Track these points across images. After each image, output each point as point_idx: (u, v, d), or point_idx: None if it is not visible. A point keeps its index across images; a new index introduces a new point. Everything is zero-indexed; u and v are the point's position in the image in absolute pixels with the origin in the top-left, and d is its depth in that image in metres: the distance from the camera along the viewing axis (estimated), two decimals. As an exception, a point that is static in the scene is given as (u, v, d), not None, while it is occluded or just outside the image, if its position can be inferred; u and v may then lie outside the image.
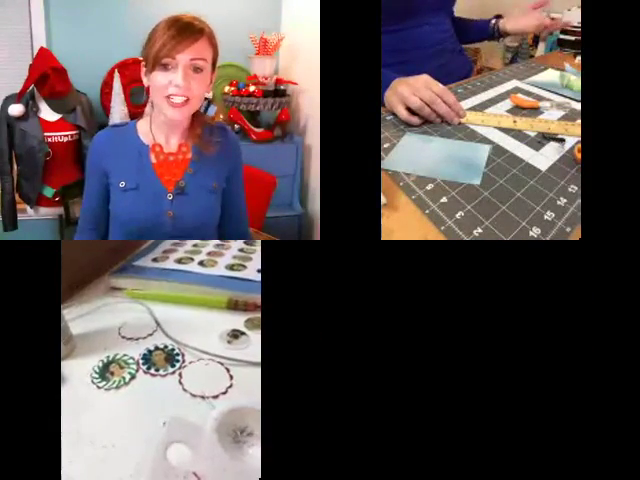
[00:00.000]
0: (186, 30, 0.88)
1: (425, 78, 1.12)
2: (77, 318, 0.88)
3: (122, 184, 0.96)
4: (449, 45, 1.63)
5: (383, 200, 0.82)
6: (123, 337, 0.83)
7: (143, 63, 0.93)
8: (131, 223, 0.98)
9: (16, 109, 1.74)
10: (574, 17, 1.71)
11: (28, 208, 1.90)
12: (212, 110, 0.97)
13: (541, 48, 2.83)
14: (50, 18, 2.00)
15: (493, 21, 1.76)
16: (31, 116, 1.77)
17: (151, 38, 0.90)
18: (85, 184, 1.03)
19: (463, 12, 1.81)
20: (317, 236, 2.10)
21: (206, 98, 0.96)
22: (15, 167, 1.86)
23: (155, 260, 1.12)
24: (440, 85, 1.12)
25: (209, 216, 1.01)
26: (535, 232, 0.75)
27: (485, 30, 1.78)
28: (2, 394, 0.79)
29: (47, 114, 1.80)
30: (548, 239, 0.74)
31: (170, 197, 0.96)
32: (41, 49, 1.81)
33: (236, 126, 2.13)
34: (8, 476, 0.78)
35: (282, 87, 2.13)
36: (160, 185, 0.96)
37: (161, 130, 0.98)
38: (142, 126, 1.00)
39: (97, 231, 1.04)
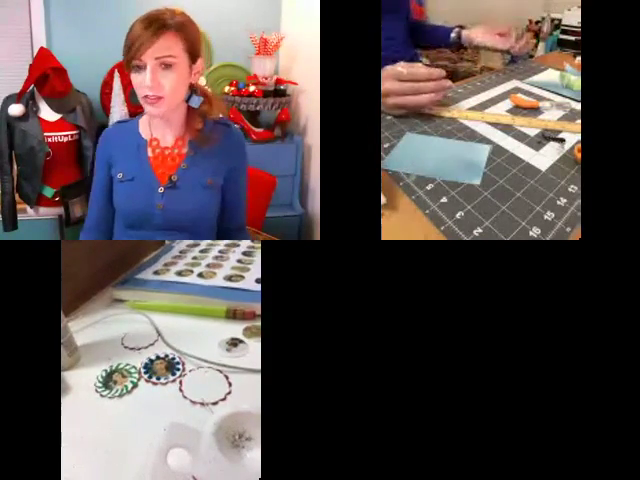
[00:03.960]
0: (149, 28, 0.89)
1: (389, 73, 1.09)
2: (82, 329, 0.90)
3: (120, 175, 1.00)
4: (387, 54, 1.60)
5: (383, 200, 0.82)
6: (126, 347, 0.84)
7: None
8: (126, 214, 1.01)
9: (16, 109, 1.74)
10: (528, 44, 1.68)
11: (28, 208, 1.90)
12: (195, 101, 0.97)
13: (541, 48, 2.83)
14: (50, 18, 2.00)
15: (456, 30, 1.73)
16: (31, 116, 1.77)
17: (125, 40, 0.92)
18: (93, 181, 1.07)
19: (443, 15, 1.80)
20: (317, 236, 2.10)
21: (191, 88, 0.96)
22: (15, 167, 1.86)
23: (156, 273, 1.14)
24: (405, 69, 1.09)
25: (202, 211, 1.01)
26: (535, 232, 0.75)
27: (445, 38, 1.75)
28: (1, 395, 0.79)
29: (47, 114, 1.80)
30: (548, 239, 0.74)
31: (161, 190, 0.98)
32: (41, 49, 1.82)
33: (236, 126, 2.13)
34: None
35: (282, 87, 2.13)
36: (154, 178, 0.99)
37: (158, 125, 1.00)
38: (143, 121, 1.03)
39: (103, 229, 1.06)
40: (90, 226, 1.07)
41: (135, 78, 0.91)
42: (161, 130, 1.00)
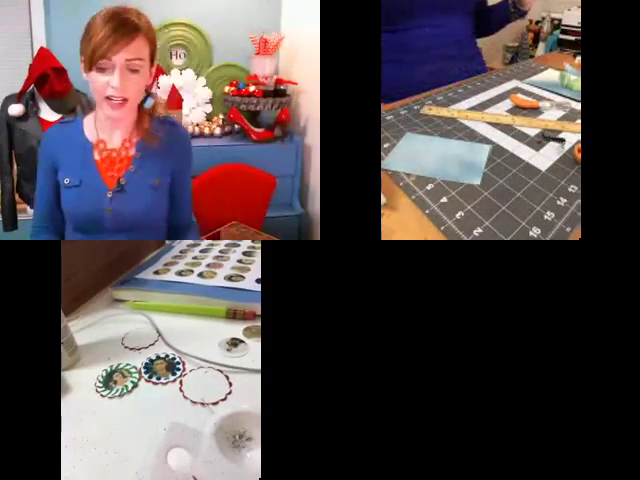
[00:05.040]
0: (121, 29, 0.86)
1: None
2: (82, 329, 0.90)
3: (66, 181, 0.98)
4: (447, 51, 1.55)
5: (383, 200, 0.82)
6: (126, 347, 0.84)
7: (81, 58, 0.91)
8: (75, 218, 1.00)
9: (16, 109, 1.74)
10: None
11: (28, 208, 1.90)
12: (150, 102, 0.97)
13: (541, 48, 2.84)
14: (50, 18, 2.00)
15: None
16: (31, 116, 1.77)
17: (86, 35, 0.89)
18: (37, 181, 1.04)
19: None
20: (317, 236, 2.10)
21: (146, 90, 0.96)
22: (15, 167, 1.86)
23: (156, 272, 1.14)
24: None
25: (150, 212, 1.00)
26: (535, 232, 0.75)
27: (504, 13, 1.64)
28: (1, 394, 0.79)
29: (47, 114, 1.80)
30: (548, 239, 0.74)
31: (110, 195, 0.97)
32: (41, 49, 1.81)
33: (236, 126, 2.13)
34: None
35: (282, 87, 2.13)
36: (101, 182, 0.97)
37: (105, 126, 0.98)
38: (88, 122, 1.00)
39: (52, 230, 1.05)
40: (39, 227, 1.05)
41: (97, 78, 0.88)
42: (108, 132, 0.98)
